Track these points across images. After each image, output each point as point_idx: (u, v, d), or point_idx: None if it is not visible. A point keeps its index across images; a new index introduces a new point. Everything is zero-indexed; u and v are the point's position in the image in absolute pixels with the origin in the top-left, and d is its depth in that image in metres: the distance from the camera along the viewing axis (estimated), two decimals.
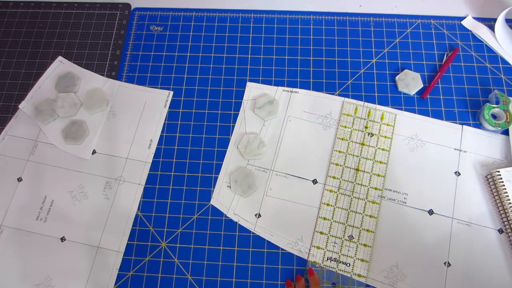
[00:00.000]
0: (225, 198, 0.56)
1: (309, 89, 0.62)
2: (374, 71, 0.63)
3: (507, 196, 0.52)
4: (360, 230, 0.54)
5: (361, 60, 0.64)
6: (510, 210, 0.52)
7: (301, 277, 0.51)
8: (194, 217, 0.55)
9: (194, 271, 0.53)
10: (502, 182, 0.53)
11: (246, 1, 0.69)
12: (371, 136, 0.58)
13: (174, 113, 0.61)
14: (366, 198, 0.55)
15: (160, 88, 0.63)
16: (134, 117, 0.61)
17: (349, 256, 0.52)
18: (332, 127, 0.59)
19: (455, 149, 0.57)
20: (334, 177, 0.56)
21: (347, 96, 0.61)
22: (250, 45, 0.65)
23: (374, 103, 0.60)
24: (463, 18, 0.66)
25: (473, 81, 0.62)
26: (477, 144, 0.57)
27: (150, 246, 0.54)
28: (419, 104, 0.60)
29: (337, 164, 0.57)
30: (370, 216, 0.54)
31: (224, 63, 0.64)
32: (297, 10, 0.68)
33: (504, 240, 0.52)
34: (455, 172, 0.56)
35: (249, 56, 0.65)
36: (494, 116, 0.58)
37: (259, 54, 0.65)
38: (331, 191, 0.56)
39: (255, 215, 0.55)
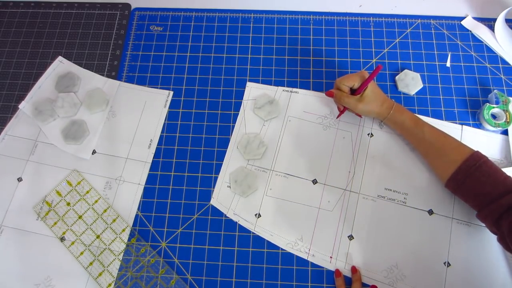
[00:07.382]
0: (225, 198, 0.56)
1: (309, 89, 0.62)
2: None
3: None
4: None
5: (361, 60, 0.64)
6: None
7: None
8: (194, 217, 0.55)
9: (194, 271, 0.53)
10: None
11: (246, 1, 0.69)
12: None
13: (174, 113, 0.61)
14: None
15: (160, 88, 0.63)
16: (134, 117, 0.61)
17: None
18: (332, 127, 0.59)
19: None
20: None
21: None
22: (250, 45, 0.65)
23: None
24: (463, 18, 0.66)
25: (473, 81, 0.62)
26: (477, 144, 0.57)
27: (150, 246, 0.54)
28: (419, 104, 0.60)
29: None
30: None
31: (224, 63, 0.64)
32: (297, 10, 0.68)
33: None
34: None
35: (249, 56, 0.65)
36: (494, 116, 0.58)
37: (259, 54, 0.65)
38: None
39: (255, 215, 0.55)
